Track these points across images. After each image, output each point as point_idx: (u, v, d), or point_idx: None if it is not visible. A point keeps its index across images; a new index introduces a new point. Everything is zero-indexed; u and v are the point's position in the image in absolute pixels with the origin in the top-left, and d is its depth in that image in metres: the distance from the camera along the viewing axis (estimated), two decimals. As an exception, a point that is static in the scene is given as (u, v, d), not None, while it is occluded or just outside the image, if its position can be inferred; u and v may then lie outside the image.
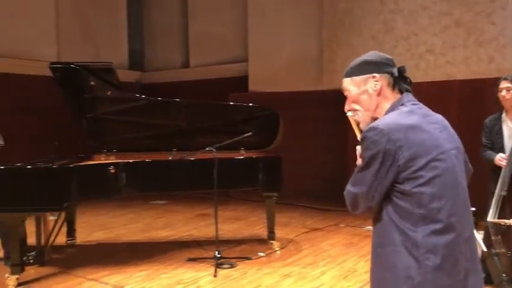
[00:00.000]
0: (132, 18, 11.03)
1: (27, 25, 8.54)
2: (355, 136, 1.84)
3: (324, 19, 8.21)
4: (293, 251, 5.32)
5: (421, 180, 1.60)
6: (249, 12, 9.23)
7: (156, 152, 5.28)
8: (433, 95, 6.50)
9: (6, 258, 4.52)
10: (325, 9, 8.15)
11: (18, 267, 4.19)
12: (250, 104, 5.51)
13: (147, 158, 5.01)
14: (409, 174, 1.60)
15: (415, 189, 1.60)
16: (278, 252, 5.25)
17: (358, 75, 1.78)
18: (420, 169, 1.60)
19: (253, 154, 5.31)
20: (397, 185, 1.62)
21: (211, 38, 10.04)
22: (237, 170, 5.10)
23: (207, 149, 4.65)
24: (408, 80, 1.79)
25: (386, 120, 1.67)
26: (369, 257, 1.79)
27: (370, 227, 1.80)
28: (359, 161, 1.76)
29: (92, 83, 5.00)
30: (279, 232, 5.60)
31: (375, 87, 1.75)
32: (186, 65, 10.75)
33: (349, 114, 1.83)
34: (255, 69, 9.18)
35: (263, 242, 5.53)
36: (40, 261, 4.75)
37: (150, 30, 11.29)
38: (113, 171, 4.62)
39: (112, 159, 5.10)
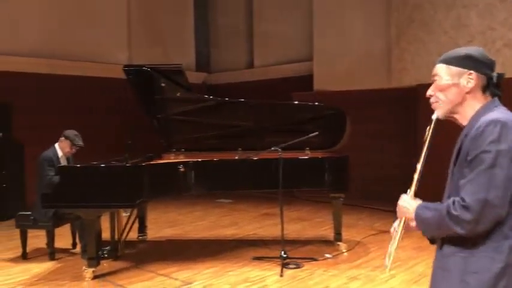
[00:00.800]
0: (199, 21, 11.29)
1: (101, 31, 9.00)
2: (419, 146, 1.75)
3: (391, 16, 7.97)
4: (361, 253, 5.21)
5: None
6: (314, 11, 9.14)
7: (223, 152, 5.36)
8: None
9: (83, 252, 4.78)
10: (394, 6, 7.91)
11: (94, 260, 4.42)
12: (316, 103, 5.45)
13: (214, 157, 5.10)
14: None
15: None
16: (345, 253, 5.16)
17: (456, 66, 1.70)
18: None
19: (319, 154, 5.25)
20: None
21: (275, 38, 10.06)
22: (303, 170, 5.07)
23: (273, 148, 4.65)
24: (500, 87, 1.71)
25: (500, 115, 1.58)
26: None
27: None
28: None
29: (163, 84, 5.17)
30: (345, 234, 5.51)
31: (468, 84, 1.68)
32: (250, 65, 10.85)
33: (431, 100, 1.76)
34: (320, 68, 9.08)
35: (329, 243, 5.46)
36: (114, 255, 4.97)
37: (216, 32, 11.50)
38: (182, 169, 4.75)
39: (181, 158, 5.24)
